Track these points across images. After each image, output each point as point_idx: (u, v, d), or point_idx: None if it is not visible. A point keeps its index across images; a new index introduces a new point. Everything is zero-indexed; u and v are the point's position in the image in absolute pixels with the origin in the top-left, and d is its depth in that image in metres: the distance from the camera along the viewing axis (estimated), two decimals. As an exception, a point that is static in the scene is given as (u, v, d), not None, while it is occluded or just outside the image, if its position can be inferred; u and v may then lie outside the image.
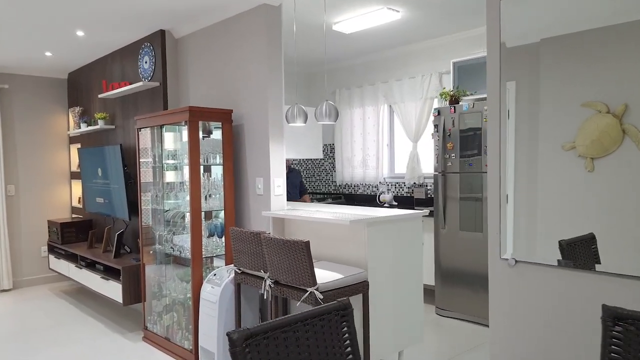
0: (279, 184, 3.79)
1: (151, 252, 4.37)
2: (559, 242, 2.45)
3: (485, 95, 4.79)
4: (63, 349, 4.13)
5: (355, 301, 3.19)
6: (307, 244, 2.79)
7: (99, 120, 5.58)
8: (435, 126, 4.83)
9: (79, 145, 6.41)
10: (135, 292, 4.56)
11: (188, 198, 3.83)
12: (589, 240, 2.38)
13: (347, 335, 1.64)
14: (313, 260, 3.07)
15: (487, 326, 4.39)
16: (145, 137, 4.35)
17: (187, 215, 3.96)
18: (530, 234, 2.38)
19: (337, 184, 6.93)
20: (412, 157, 5.92)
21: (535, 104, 2.35)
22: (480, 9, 4.63)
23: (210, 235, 4.02)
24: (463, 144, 4.60)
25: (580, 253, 2.39)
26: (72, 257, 5.61)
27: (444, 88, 5.30)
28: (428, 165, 5.89)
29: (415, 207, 5.56)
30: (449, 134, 4.72)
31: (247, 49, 3.95)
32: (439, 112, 4.80)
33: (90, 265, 5.19)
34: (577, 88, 2.19)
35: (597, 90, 2.11)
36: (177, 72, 4.82)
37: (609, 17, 2.12)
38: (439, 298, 4.80)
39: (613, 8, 2.11)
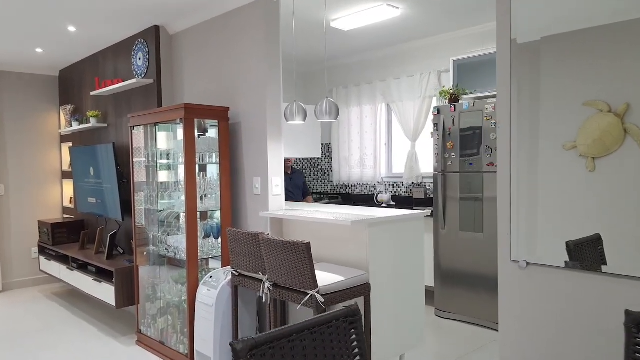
0: (277, 183, 3.69)
1: (145, 253, 4.26)
2: (567, 243, 2.39)
3: (485, 94, 4.73)
4: (54, 353, 4.01)
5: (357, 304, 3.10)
6: (308, 245, 2.70)
7: (91, 118, 5.46)
8: (435, 125, 4.75)
9: (70, 144, 6.28)
10: (128, 294, 4.45)
11: (183, 198, 3.72)
12: (596, 241, 2.34)
13: (355, 343, 1.55)
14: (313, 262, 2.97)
15: (488, 328, 4.32)
16: (138, 136, 4.25)
17: (182, 215, 3.86)
18: (531, 235, 2.33)
19: (334, 184, 6.84)
20: (411, 156, 5.84)
21: (535, 102, 2.32)
22: (480, 6, 4.55)
23: (206, 236, 3.92)
24: (463, 143, 4.52)
25: (587, 254, 2.34)
26: (63, 259, 5.48)
27: (444, 86, 5.22)
28: (426, 165, 5.81)
29: (414, 207, 5.48)
30: (449, 133, 4.64)
31: (245, 45, 3.85)
32: (438, 110, 4.72)
33: (82, 267, 5.07)
34: (578, 87, 2.16)
35: (598, 89, 2.08)
36: (172, 69, 4.71)
37: (611, 15, 2.08)
38: (439, 299, 4.72)
39: (614, 6, 2.08)
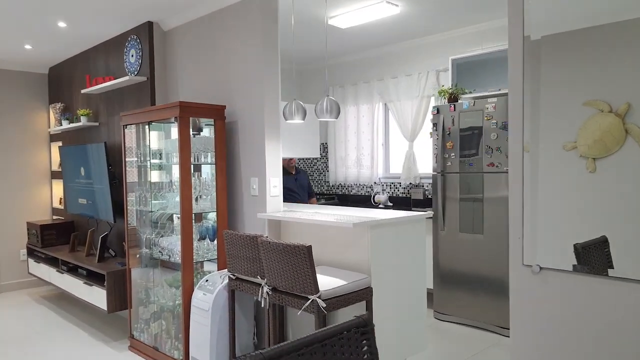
0: (275, 184, 3.59)
1: (138, 256, 4.14)
2: (574, 245, 2.33)
3: (485, 94, 4.66)
4: (43, 360, 3.89)
5: (358, 309, 3.00)
6: (309, 248, 2.60)
7: (81, 117, 5.33)
8: (434, 125, 4.67)
9: (60, 144, 6.13)
10: (120, 298, 4.32)
11: (178, 199, 3.61)
12: (602, 244, 2.28)
13: (367, 355, 1.45)
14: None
15: (488, 331, 4.24)
16: (131, 135, 4.12)
17: (177, 217, 3.74)
18: (537, 238, 2.25)
19: (330, 184, 6.75)
20: (408, 156, 5.76)
21: (536, 101, 2.28)
22: (479, 5, 4.48)
23: (202, 238, 3.81)
24: (463, 143, 4.45)
25: (594, 257, 2.28)
26: (52, 261, 5.34)
27: (443, 86, 5.14)
28: (424, 165, 5.73)
29: (413, 208, 5.39)
30: (448, 132, 4.56)
31: (242, 42, 3.74)
32: (438, 110, 4.64)
33: (73, 270, 4.93)
34: (578, 86, 2.12)
35: (598, 89, 2.05)
36: (166, 66, 4.59)
37: (612, 14, 2.05)
38: (438, 302, 4.64)
39: (614, 5, 2.04)
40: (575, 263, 2.29)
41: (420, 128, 5.69)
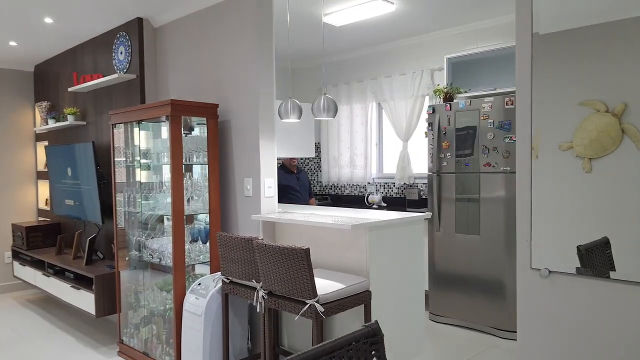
0: (269, 184, 3.49)
1: (127, 258, 4.02)
2: (578, 247, 2.28)
3: (481, 93, 4.61)
4: (29, 367, 3.76)
5: (356, 313, 2.92)
6: (307, 251, 2.51)
7: (68, 115, 5.19)
8: (430, 124, 4.60)
9: (46, 143, 5.98)
10: (109, 302, 4.20)
11: (169, 200, 3.50)
12: (604, 245, 2.24)
13: (376, 366, 1.36)
14: (311, 269, 2.78)
15: (485, 333, 4.18)
16: (120, 134, 4.01)
17: (168, 218, 3.64)
18: (537, 239, 2.21)
19: (323, 184, 6.66)
20: (402, 156, 5.70)
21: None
22: (475, 3, 4.42)
23: (193, 240, 3.70)
24: (459, 143, 4.38)
25: (597, 259, 2.23)
26: (38, 264, 5.20)
27: (438, 85, 5.08)
28: (418, 165, 5.67)
29: (407, 209, 5.33)
30: (444, 132, 4.49)
31: (235, 39, 3.64)
32: (433, 109, 4.58)
33: (59, 273, 4.80)
34: (574, 86, 2.11)
35: (595, 89, 2.04)
36: (156, 63, 4.47)
37: (608, 13, 2.04)
38: (433, 303, 4.57)
39: (612, 4, 2.03)
40: (579, 265, 2.25)
41: (415, 128, 5.63)
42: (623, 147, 1.98)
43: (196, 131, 3.88)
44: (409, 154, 5.69)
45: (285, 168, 5.26)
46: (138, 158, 3.83)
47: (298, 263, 2.54)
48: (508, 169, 4.04)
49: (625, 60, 1.98)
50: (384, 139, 6.18)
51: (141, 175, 3.86)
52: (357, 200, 6.17)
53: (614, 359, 1.92)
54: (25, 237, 5.48)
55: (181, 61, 4.19)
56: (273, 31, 3.52)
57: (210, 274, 3.56)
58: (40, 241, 5.57)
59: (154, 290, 3.84)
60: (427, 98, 5.51)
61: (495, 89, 4.53)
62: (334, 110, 2.98)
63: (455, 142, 4.41)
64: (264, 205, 3.48)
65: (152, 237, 3.81)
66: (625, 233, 2.01)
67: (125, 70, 4.49)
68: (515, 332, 4.01)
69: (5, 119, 6.01)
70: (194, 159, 3.64)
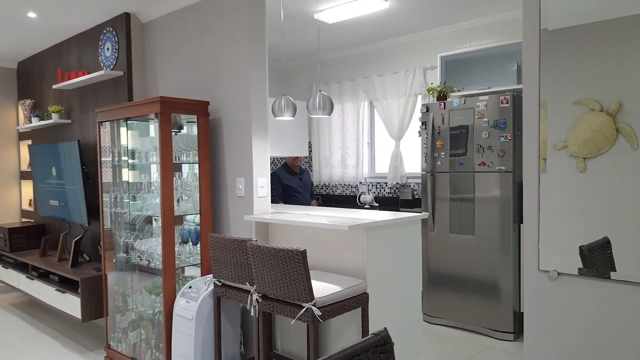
0: (262, 184, 3.40)
1: (114, 260, 3.91)
2: (580, 248, 2.25)
3: (475, 92, 4.55)
4: (12, 374, 3.62)
5: (353, 316, 2.84)
6: (304, 253, 2.43)
7: (53, 114, 5.04)
8: (423, 123, 4.54)
9: (30, 142, 5.82)
10: (96, 306, 4.08)
11: (157, 200, 3.39)
12: (605, 245, 2.21)
13: (386, 376, 1.29)
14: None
15: (480, 334, 4.13)
16: (107, 133, 3.88)
17: (157, 219, 3.53)
18: (544, 241, 2.15)
19: (315, 184, 6.57)
20: (395, 156, 5.63)
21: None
22: (469, 1, 4.37)
23: (184, 242, 3.59)
24: (453, 142, 4.33)
25: (598, 259, 2.19)
26: (22, 267, 5.05)
27: (432, 83, 5.02)
28: (411, 165, 5.61)
29: (401, 209, 5.26)
30: (438, 131, 4.43)
31: (227, 34, 3.54)
32: (427, 108, 4.52)
33: (44, 276, 4.66)
34: (568, 85, 2.11)
35: (589, 88, 2.04)
36: (144, 60, 4.35)
37: (603, 12, 2.03)
38: (427, 304, 4.51)
39: (607, 3, 2.03)
40: (581, 266, 2.20)
41: (407, 127, 5.57)
42: (617, 147, 1.97)
43: (186, 130, 3.78)
44: (401, 153, 5.63)
45: (288, 168, 5.10)
46: (125, 157, 3.72)
47: (294, 265, 2.46)
48: (503, 168, 4.00)
49: (620, 58, 1.97)
50: (376, 138, 6.11)
51: (129, 175, 3.75)
52: (348, 200, 6.10)
53: (623, 363, 1.87)
54: (8, 238, 5.33)
55: (170, 58, 4.08)
56: (265, 26, 3.43)
57: (201, 276, 3.45)
58: (23, 243, 5.42)
59: (142, 293, 3.73)
60: (419, 97, 5.45)
61: (489, 88, 4.48)
62: (329, 107, 2.89)
63: (450, 141, 4.35)
64: (256, 205, 3.39)
65: (141, 239, 3.69)
66: (622, 233, 1.99)
67: (112, 67, 4.37)
68: (511, 332, 3.98)
69: (-13, 117, 5.84)
70: (184, 158, 3.54)
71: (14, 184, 6.09)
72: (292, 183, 5.03)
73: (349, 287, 2.67)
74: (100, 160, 3.89)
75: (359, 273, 2.86)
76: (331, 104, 2.92)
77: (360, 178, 6.02)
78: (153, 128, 3.78)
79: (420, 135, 4.68)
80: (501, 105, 3.99)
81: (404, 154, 5.63)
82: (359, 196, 5.78)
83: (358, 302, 2.71)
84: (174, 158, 3.36)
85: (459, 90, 4.70)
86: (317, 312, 2.44)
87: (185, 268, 3.69)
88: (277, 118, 3.14)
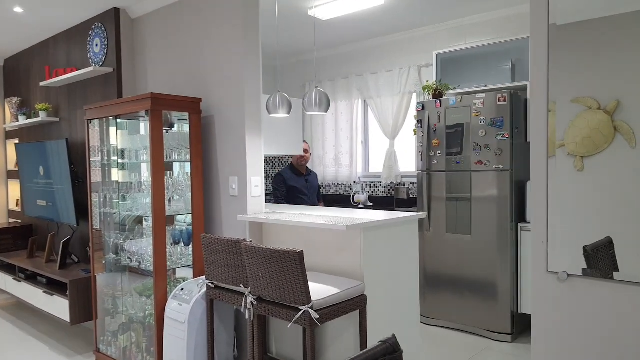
0: (256, 183, 3.31)
1: (103, 262, 3.80)
2: (584, 248, 2.20)
3: (471, 89, 4.50)
4: (-3, 379, 3.51)
5: (350, 318, 2.77)
6: (301, 254, 2.35)
7: (40, 111, 4.93)
8: (419, 121, 4.48)
9: (16, 141, 5.70)
10: (85, 308, 3.97)
11: (148, 200, 3.30)
12: (608, 245, 2.16)
13: (394, 386, 1.21)
14: (303, 273, 2.61)
15: (477, 335, 4.07)
16: (96, 131, 3.78)
17: (148, 219, 3.44)
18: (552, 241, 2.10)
19: (307, 184, 6.49)
20: (389, 155, 5.57)
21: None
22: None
23: (175, 242, 3.50)
24: (450, 141, 4.27)
25: (602, 260, 2.14)
26: (9, 268, 4.92)
27: (427, 81, 4.96)
28: (406, 164, 5.55)
29: (396, 208, 5.20)
30: (434, 130, 4.37)
31: (219, 29, 3.45)
32: (423, 106, 4.45)
33: (31, 278, 4.55)
34: (566, 82, 2.07)
35: (587, 86, 2.00)
36: (134, 56, 4.25)
37: (601, 8, 2.00)
38: (424, 305, 4.44)
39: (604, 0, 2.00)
40: (585, 267, 2.15)
41: (402, 125, 5.51)
42: (615, 145, 1.94)
43: (177, 128, 3.69)
44: (395, 152, 5.56)
45: (294, 169, 4.90)
46: (115, 156, 3.62)
47: (291, 267, 2.38)
48: (500, 167, 3.94)
49: (618, 55, 1.93)
50: (370, 137, 6.04)
51: (118, 174, 3.65)
52: (342, 200, 6.02)
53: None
54: (-5, 240, 5.20)
55: (161, 54, 3.98)
56: (259, 20, 3.34)
57: (194, 278, 3.37)
58: (10, 244, 5.30)
59: (132, 295, 3.63)
60: (414, 95, 5.40)
61: (485, 86, 4.42)
62: (326, 104, 2.82)
63: (446, 139, 4.29)
64: (250, 205, 3.30)
65: (131, 239, 3.60)
66: (622, 233, 1.96)
67: (101, 64, 4.26)
68: (509, 334, 3.93)
69: (-27, 115, 5.71)
70: (175, 157, 3.45)
71: (1, 184, 5.96)
72: (298, 184, 4.84)
73: (347, 289, 2.59)
74: (89, 159, 3.79)
75: (357, 274, 2.79)
76: (328, 100, 2.84)
77: (354, 177, 5.95)
78: (143, 126, 3.68)
79: (415, 134, 4.62)
80: (498, 103, 3.94)
81: (399, 153, 5.57)
82: (353, 196, 5.71)
83: (356, 304, 2.64)
84: (165, 157, 3.27)
85: (454, 88, 4.65)
86: (315, 315, 2.37)
87: (177, 270, 3.60)
88: (272, 115, 3.06)
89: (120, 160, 3.62)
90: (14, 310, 5.20)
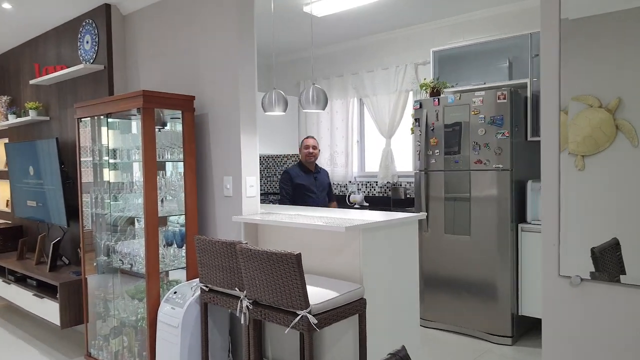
0: (251, 183, 3.23)
1: (94, 264, 3.71)
2: (592, 250, 2.13)
3: (470, 87, 4.42)
4: (-15, 385, 3.41)
5: (349, 322, 2.69)
6: (299, 257, 2.27)
7: (30, 110, 4.82)
8: (417, 120, 4.41)
9: (6, 140, 5.58)
10: (75, 311, 3.88)
11: (140, 200, 3.21)
12: (615, 247, 2.09)
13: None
14: (300, 276, 2.53)
15: (477, 338, 4.01)
16: (86, 130, 3.69)
17: (140, 220, 3.34)
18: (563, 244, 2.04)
19: (302, 184, 6.40)
20: (386, 154, 5.50)
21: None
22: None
23: (168, 244, 3.41)
24: (448, 140, 4.20)
25: (609, 262, 2.08)
26: (-2, 270, 4.81)
27: (425, 79, 4.88)
28: (402, 163, 5.48)
29: (392, 208, 5.12)
30: (432, 128, 4.30)
31: (213, 25, 3.36)
32: (420, 104, 4.38)
33: (21, 280, 4.45)
34: (567, 80, 2.03)
35: (588, 83, 1.96)
36: (125, 54, 4.15)
37: (602, 4, 1.95)
38: (422, 307, 4.36)
39: None
40: (593, 270, 2.09)
41: (398, 124, 5.44)
42: (617, 144, 1.90)
43: (169, 126, 3.60)
44: (392, 151, 5.49)
45: (302, 166, 4.72)
46: (106, 155, 3.53)
47: (288, 270, 2.30)
48: (500, 166, 3.88)
49: (620, 51, 1.89)
50: (366, 136, 5.97)
51: (110, 174, 3.56)
52: (337, 200, 5.93)
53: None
54: (-17, 241, 5.09)
55: (153, 51, 3.88)
56: (254, 16, 3.25)
57: (187, 281, 3.28)
58: (0, 245, 5.18)
59: (124, 298, 3.54)
60: (411, 93, 5.33)
61: (484, 83, 4.35)
62: (324, 101, 2.74)
63: (444, 138, 4.22)
64: (245, 205, 3.22)
65: (123, 241, 3.50)
66: (624, 233, 1.91)
67: (91, 61, 4.16)
68: (509, 337, 3.86)
69: (-39, 114, 5.58)
70: (168, 156, 3.36)
71: (-10, 184, 5.84)
72: (305, 182, 4.63)
73: (346, 292, 2.52)
74: (80, 159, 3.69)
75: (355, 277, 2.71)
76: (325, 97, 2.77)
77: (350, 177, 5.87)
78: (135, 125, 3.59)
79: (413, 133, 4.55)
80: (498, 101, 3.87)
81: (395, 152, 5.49)
82: (349, 196, 5.64)
83: (355, 308, 2.56)
84: (157, 156, 3.18)
85: (452, 86, 4.58)
86: (313, 320, 2.29)
87: (170, 272, 3.51)
88: (267, 113, 2.98)
89: (111, 160, 3.53)
90: (3, 313, 5.08)
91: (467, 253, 4.08)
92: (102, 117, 3.47)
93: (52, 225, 4.68)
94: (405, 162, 5.45)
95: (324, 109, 2.82)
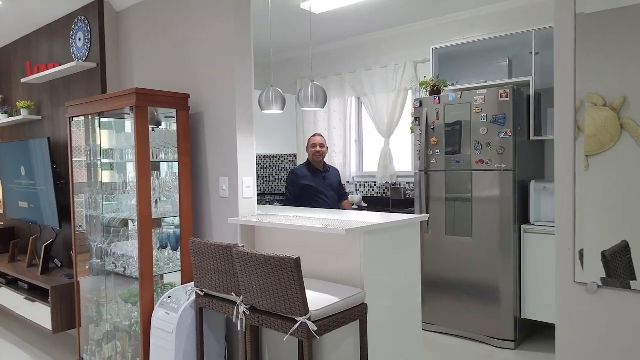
0: (248, 184, 3.13)
1: (87, 266, 3.62)
2: (602, 253, 2.05)
3: (470, 85, 4.34)
4: (-27, 393, 3.31)
5: (349, 328, 2.60)
6: (298, 261, 2.18)
7: (22, 109, 4.72)
8: (417, 119, 4.32)
9: (-3, 140, 5.47)
10: (68, 316, 3.78)
11: (134, 202, 3.11)
12: (624, 250, 2.01)
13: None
14: (299, 280, 2.43)
15: (479, 342, 3.92)
16: (79, 129, 3.59)
17: (134, 222, 3.25)
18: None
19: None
20: (384, 154, 5.41)
21: None
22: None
23: (162, 247, 3.32)
24: (449, 139, 4.11)
25: (619, 266, 2.02)
26: (-11, 273, 4.71)
27: (425, 77, 4.80)
28: (402, 163, 5.40)
29: (392, 209, 5.04)
30: (432, 127, 4.22)
31: (208, 22, 3.27)
32: (421, 103, 4.30)
33: (12, 283, 4.35)
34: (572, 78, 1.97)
35: (592, 82, 1.91)
36: (119, 51, 4.05)
37: (605, 1, 1.90)
38: (423, 311, 4.23)
39: None
40: (604, 275, 2.01)
41: (397, 124, 5.36)
42: (621, 143, 1.86)
43: (164, 126, 3.50)
44: (391, 151, 5.41)
45: (310, 166, 4.46)
46: (99, 155, 3.43)
47: (287, 274, 2.21)
48: (503, 166, 3.79)
49: (625, 51, 1.84)
50: (364, 135, 5.88)
51: (103, 175, 3.46)
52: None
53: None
54: (-26, 243, 4.99)
55: (147, 48, 3.79)
56: (251, 11, 3.16)
57: (182, 284, 3.18)
58: (-10, 247, 5.09)
59: (118, 302, 3.44)
60: (410, 92, 5.24)
61: (485, 82, 4.27)
62: (323, 99, 2.65)
63: (445, 137, 4.14)
64: (242, 207, 3.12)
65: (116, 243, 3.41)
66: (628, 235, 1.86)
67: (84, 59, 4.06)
68: (512, 340, 3.78)
69: (-49, 113, 5.46)
70: (162, 156, 3.27)
71: (-19, 185, 5.72)
72: (313, 182, 4.37)
73: (347, 297, 2.43)
74: (72, 159, 3.59)
75: (356, 281, 2.62)
76: (325, 95, 2.68)
77: (348, 177, 5.78)
78: (129, 124, 3.49)
79: (412, 132, 4.46)
80: (500, 99, 3.79)
81: (394, 152, 5.41)
82: (348, 196, 5.54)
83: (357, 314, 2.47)
84: (151, 156, 3.09)
85: (452, 85, 4.49)
86: (313, 327, 2.19)
87: (165, 275, 3.41)
88: (265, 112, 2.88)
89: (104, 160, 3.44)
90: (-6, 316, 4.98)
91: (468, 255, 4.00)
92: (94, 116, 3.37)
93: (45, 227, 4.58)
94: (404, 162, 5.37)
95: (323, 107, 2.73)
